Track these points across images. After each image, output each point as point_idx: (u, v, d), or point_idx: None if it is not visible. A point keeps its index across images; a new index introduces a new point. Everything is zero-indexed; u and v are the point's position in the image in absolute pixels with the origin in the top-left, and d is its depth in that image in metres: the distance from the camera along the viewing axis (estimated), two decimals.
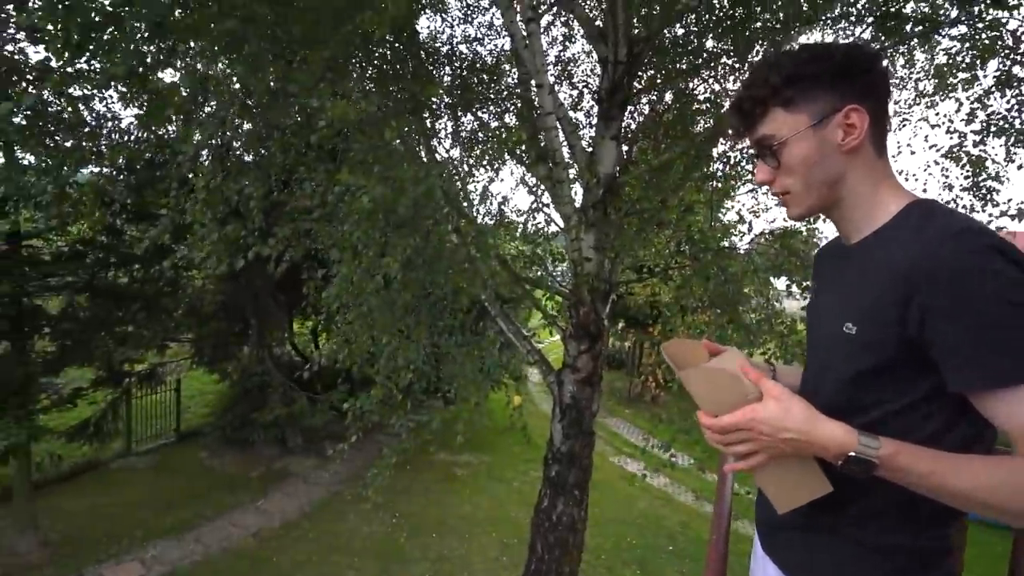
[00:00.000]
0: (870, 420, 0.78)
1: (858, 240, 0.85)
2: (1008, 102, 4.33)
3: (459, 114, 5.47)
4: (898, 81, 5.50)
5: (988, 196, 4.44)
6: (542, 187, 4.91)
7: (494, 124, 5.71)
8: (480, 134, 5.48)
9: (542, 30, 6.88)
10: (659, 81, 5.51)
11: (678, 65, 5.40)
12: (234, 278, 7.90)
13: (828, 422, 0.74)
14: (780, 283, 4.75)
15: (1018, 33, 4.09)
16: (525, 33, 4.12)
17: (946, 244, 0.69)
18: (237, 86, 2.57)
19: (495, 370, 3.72)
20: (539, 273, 5.04)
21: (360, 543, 8.12)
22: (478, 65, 5.60)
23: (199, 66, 2.69)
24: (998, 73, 4.38)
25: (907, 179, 5.36)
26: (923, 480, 0.70)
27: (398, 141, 2.16)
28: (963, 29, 4.44)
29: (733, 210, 5.72)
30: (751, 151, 0.90)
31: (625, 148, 5.78)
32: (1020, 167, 4.41)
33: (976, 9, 4.34)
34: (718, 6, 5.10)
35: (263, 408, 9.24)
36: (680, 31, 5.43)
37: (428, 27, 14.85)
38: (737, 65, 5.49)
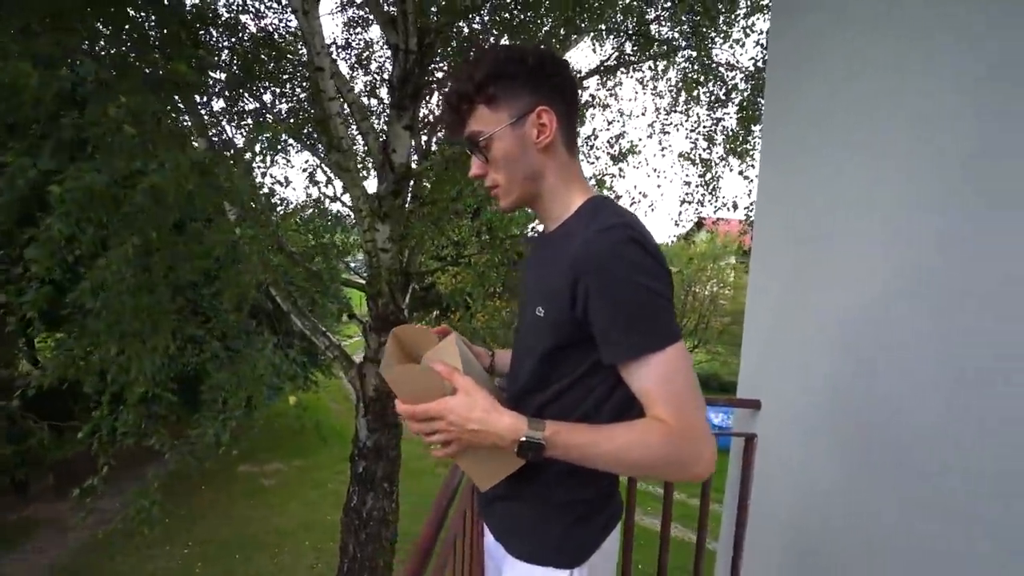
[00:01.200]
0: (550, 394, 0.87)
1: (551, 230, 0.92)
2: (721, 118, 5.38)
3: (240, 93, 4.94)
4: (652, 93, 6.43)
5: (713, 190, 5.50)
6: (333, 176, 4.70)
7: (285, 106, 5.28)
8: (264, 115, 5.01)
9: (334, 11, 6.52)
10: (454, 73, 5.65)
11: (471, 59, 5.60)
12: None
13: (504, 414, 0.78)
14: None
15: (727, 63, 5.09)
16: (304, 11, 3.87)
17: (600, 236, 0.76)
18: None
19: (269, 372, 3.46)
20: (335, 265, 4.83)
21: None
22: (261, 38, 5.08)
23: None
24: (718, 93, 5.42)
25: (659, 176, 6.38)
26: (583, 451, 0.77)
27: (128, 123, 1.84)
28: (692, 54, 5.40)
29: None
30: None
31: (423, 139, 5.83)
32: (731, 170, 5.52)
33: (701, 40, 5.31)
34: (506, 5, 5.42)
35: None
36: (476, 26, 5.64)
37: None
38: None
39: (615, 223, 0.77)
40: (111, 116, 1.84)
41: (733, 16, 5.15)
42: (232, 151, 3.63)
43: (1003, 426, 1.04)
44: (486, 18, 5.59)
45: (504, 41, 5.70)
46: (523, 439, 0.76)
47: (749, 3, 5.04)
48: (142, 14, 3.31)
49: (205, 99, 4.57)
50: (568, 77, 0.88)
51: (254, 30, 5.05)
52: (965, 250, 1.10)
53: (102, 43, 2.91)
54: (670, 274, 0.81)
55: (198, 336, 3.51)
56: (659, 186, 19.87)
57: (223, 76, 4.87)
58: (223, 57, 4.89)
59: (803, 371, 1.62)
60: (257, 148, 4.84)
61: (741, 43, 5.30)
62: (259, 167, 3.31)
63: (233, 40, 4.97)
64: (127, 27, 2.96)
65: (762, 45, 4.98)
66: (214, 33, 4.79)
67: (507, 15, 5.46)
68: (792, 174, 1.72)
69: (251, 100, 5.01)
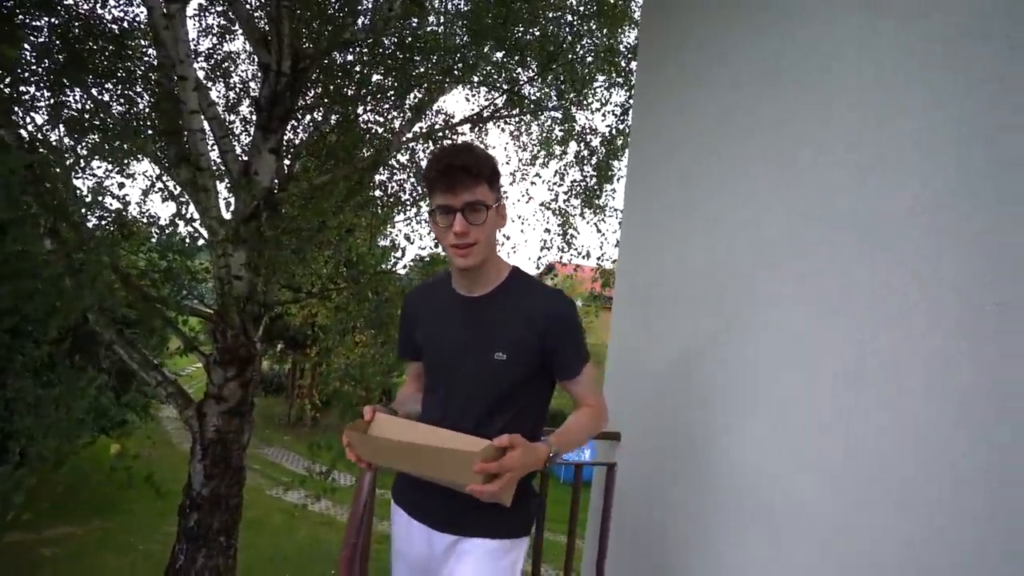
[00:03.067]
0: (518, 410, 1.19)
1: (484, 292, 1.21)
2: (582, 174, 5.99)
3: (64, 86, 4.27)
4: (520, 145, 6.90)
5: (570, 240, 6.05)
6: (183, 194, 4.26)
7: (119, 108, 4.67)
8: (99, 118, 4.36)
9: (192, 15, 6.02)
10: (326, 101, 5.52)
11: (345, 90, 5.54)
12: None
13: (539, 446, 1.09)
14: None
15: (587, 127, 5.72)
16: (166, 12, 3.55)
17: (558, 299, 1.21)
18: None
19: (90, 417, 2.94)
20: (179, 292, 4.32)
21: None
22: (99, 27, 4.48)
23: None
24: (576, 151, 6.05)
25: (523, 223, 6.85)
26: (568, 442, 1.17)
27: None
28: (558, 115, 5.98)
29: (388, 237, 6.13)
30: (438, 206, 1.15)
31: (287, 163, 5.56)
32: (587, 222, 6.12)
33: (565, 102, 5.91)
34: (385, 45, 5.49)
35: None
36: (350, 57, 5.61)
37: None
38: (401, 102, 6.01)
39: (558, 291, 1.25)
40: None
41: (593, 87, 5.84)
42: (61, 153, 3.13)
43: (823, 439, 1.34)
44: (364, 52, 5.60)
45: (376, 77, 5.78)
46: (551, 455, 1.11)
47: (608, 79, 5.78)
48: None
49: (17, 87, 3.89)
50: None
51: (85, 15, 4.44)
52: (801, 284, 1.41)
53: None
54: None
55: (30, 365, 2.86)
56: (522, 231, 21.01)
57: (46, 64, 4.20)
58: (40, 40, 4.21)
59: (657, 403, 1.89)
60: (83, 152, 4.22)
61: (600, 111, 6.01)
62: (93, 176, 2.90)
63: (55, 23, 4.31)
64: None
65: (615, 115, 5.74)
66: (32, 11, 4.11)
67: (383, 51, 5.53)
68: (650, 232, 2.04)
69: (80, 97, 4.36)
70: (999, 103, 0.98)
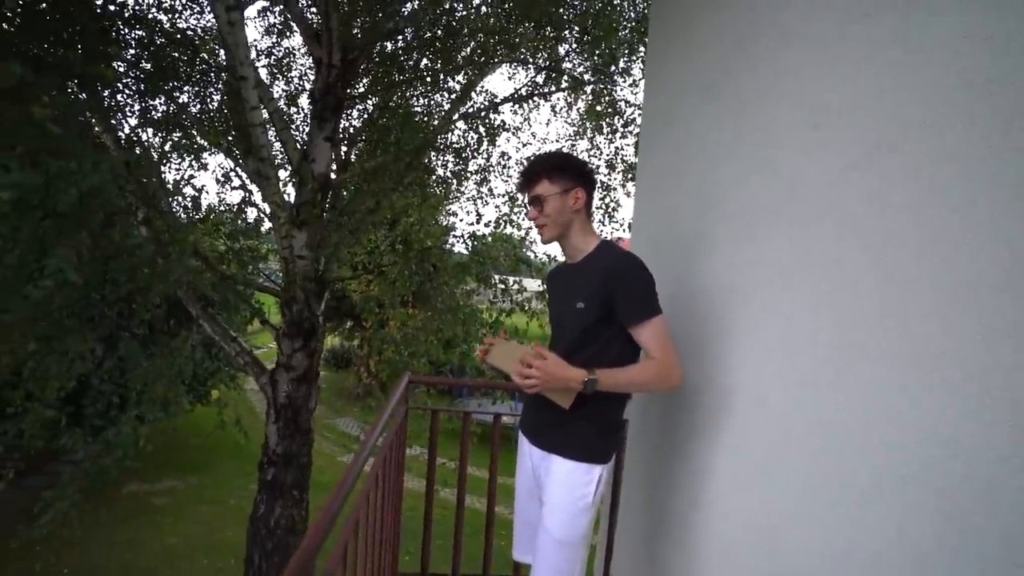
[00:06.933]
0: (591, 352, 1.42)
1: (579, 260, 1.52)
2: (620, 148, 6.00)
3: (148, 92, 4.81)
4: (565, 120, 6.95)
5: (612, 213, 6.11)
6: (251, 182, 4.72)
7: (195, 108, 5.20)
8: (180, 118, 4.90)
9: (256, 17, 6.49)
10: (379, 89, 5.84)
11: (394, 76, 5.83)
12: None
13: (575, 369, 1.34)
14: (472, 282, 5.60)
15: (623, 99, 5.70)
16: (229, 21, 3.93)
17: (621, 259, 1.43)
18: None
19: (188, 369, 3.44)
20: (250, 271, 4.83)
21: None
22: (178, 37, 4.99)
23: None
24: (618, 126, 6.05)
25: None
26: (616, 381, 1.36)
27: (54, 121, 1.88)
28: (598, 88, 6.00)
29: (440, 216, 6.44)
30: (525, 199, 1.57)
31: (343, 150, 5.95)
32: (628, 194, 6.14)
33: (605, 77, 5.91)
34: (429, 32, 5.71)
35: None
36: (400, 45, 5.87)
37: None
38: (447, 84, 6.25)
39: (627, 252, 1.47)
40: (36, 115, 1.90)
41: (632, 59, 5.81)
42: (154, 152, 3.59)
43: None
44: (410, 38, 5.84)
45: (424, 62, 6.02)
46: (586, 379, 1.33)
47: (647, 51, 5.71)
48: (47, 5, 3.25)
49: (114, 97, 4.45)
50: (593, 176, 1.59)
51: (168, 27, 4.96)
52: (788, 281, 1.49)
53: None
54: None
55: (115, 333, 3.41)
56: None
57: (135, 73, 4.74)
58: (131, 54, 4.76)
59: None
60: (167, 148, 4.76)
61: (639, 84, 5.98)
62: (177, 170, 3.33)
63: (143, 35, 4.84)
64: (38, 21, 2.94)
65: None
66: (123, 28, 4.65)
67: (428, 36, 5.75)
68: (655, 197, 2.15)
69: (163, 101, 4.90)
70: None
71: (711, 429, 1.50)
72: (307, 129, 5.60)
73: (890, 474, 0.92)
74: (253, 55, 5.31)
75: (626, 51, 5.61)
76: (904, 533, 0.88)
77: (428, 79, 6.02)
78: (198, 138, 4.58)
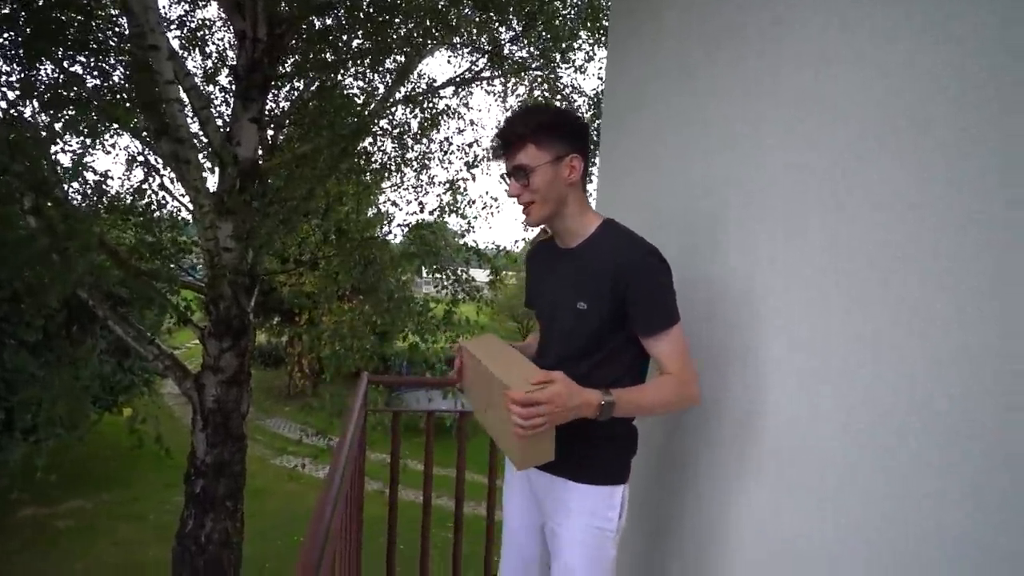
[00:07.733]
0: (593, 362, 1.16)
1: (574, 245, 1.20)
2: None
3: (33, 59, 4.17)
4: (502, 106, 6.80)
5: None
6: (164, 167, 4.23)
7: (93, 81, 4.57)
8: (72, 91, 4.27)
9: None
10: (309, 68, 5.41)
11: (325, 56, 5.43)
12: None
13: (588, 391, 1.03)
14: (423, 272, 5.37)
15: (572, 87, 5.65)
16: None
17: (634, 252, 1.12)
18: None
19: (95, 384, 3.01)
20: (169, 266, 4.34)
21: None
22: None
23: None
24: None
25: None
26: (636, 404, 1.09)
27: None
28: (540, 74, 5.90)
29: (376, 205, 6.11)
30: (503, 172, 1.18)
31: (271, 133, 5.48)
32: None
33: (548, 63, 5.82)
34: (362, 8, 5.35)
35: None
36: (328, 22, 5.46)
37: None
38: (380, 67, 5.90)
39: (640, 242, 1.15)
40: None
41: (576, 44, 5.74)
42: (36, 128, 3.09)
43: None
44: (342, 14, 5.46)
45: (357, 41, 5.65)
46: (603, 403, 1.03)
47: (593, 37, 5.68)
48: None
49: None
50: (590, 138, 1.26)
51: None
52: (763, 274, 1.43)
53: None
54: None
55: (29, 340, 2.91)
56: (506, 190, 20.73)
57: (11, 36, 4.08)
58: (4, 11, 4.09)
59: None
60: (59, 127, 4.16)
61: (584, 70, 5.93)
62: (73, 152, 2.88)
63: None
64: None
65: (600, 78, 5.65)
66: None
67: (362, 15, 5.39)
68: (623, 193, 2.07)
69: (53, 70, 4.26)
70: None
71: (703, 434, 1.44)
72: (228, 110, 5.12)
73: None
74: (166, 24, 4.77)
75: (567, 37, 5.54)
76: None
77: (363, 60, 5.67)
78: (94, 116, 4.02)
